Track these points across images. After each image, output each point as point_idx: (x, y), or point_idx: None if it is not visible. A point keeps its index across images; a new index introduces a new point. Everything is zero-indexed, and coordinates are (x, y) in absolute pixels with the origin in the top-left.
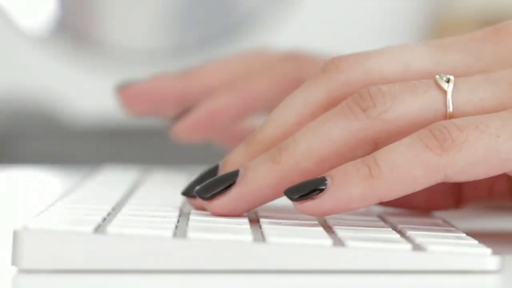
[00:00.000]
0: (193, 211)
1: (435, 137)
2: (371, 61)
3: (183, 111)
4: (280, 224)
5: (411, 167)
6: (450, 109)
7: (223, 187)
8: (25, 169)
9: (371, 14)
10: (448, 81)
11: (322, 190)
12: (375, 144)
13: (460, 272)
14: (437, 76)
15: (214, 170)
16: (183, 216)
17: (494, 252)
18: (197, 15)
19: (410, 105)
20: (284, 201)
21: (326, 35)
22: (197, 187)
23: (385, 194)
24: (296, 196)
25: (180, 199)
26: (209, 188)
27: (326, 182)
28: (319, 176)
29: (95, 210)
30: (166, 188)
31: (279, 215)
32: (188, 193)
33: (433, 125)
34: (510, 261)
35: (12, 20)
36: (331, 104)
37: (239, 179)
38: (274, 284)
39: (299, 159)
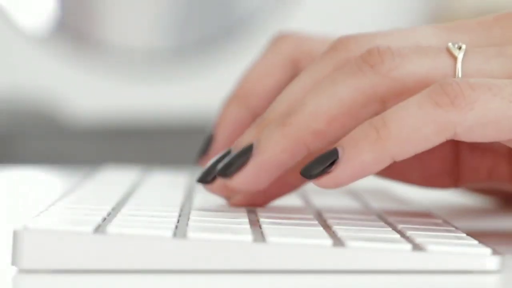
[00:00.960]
0: (193, 211)
1: (446, 93)
2: (380, 39)
3: None
4: (280, 224)
5: (421, 126)
6: (459, 76)
7: (241, 162)
8: (25, 169)
9: (371, 14)
10: (460, 48)
11: (334, 162)
12: (383, 103)
13: (460, 272)
14: (450, 44)
15: (226, 155)
16: (183, 216)
17: (494, 252)
18: (197, 15)
19: (419, 65)
20: (284, 201)
21: (326, 35)
22: (218, 167)
23: (397, 154)
24: (312, 174)
25: (180, 199)
26: (228, 165)
27: (338, 153)
28: (330, 148)
29: (95, 210)
30: (166, 188)
31: (279, 215)
32: (204, 179)
33: (444, 81)
34: (510, 261)
35: (12, 20)
36: None
37: (254, 151)
38: (274, 284)
39: (308, 121)
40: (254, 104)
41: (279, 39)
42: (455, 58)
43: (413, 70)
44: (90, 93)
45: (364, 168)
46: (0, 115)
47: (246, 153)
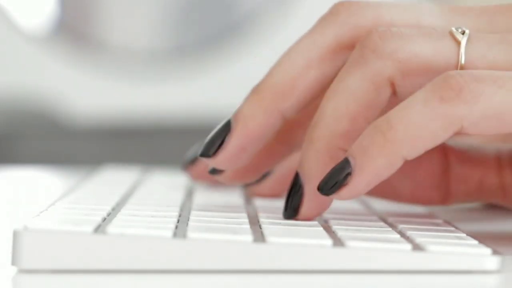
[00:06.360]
0: (193, 211)
1: (451, 87)
2: (383, 8)
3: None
4: (280, 224)
5: (428, 122)
6: (462, 61)
7: (296, 191)
8: (25, 169)
9: None
10: (463, 33)
11: (349, 173)
12: (393, 85)
13: (460, 272)
14: (453, 28)
15: (226, 126)
16: (183, 216)
17: (494, 252)
18: (197, 15)
19: (422, 47)
20: (283, 201)
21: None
22: (285, 211)
23: (408, 153)
24: (330, 190)
25: (180, 199)
26: (289, 204)
27: (350, 164)
28: (341, 160)
29: (95, 210)
30: (166, 188)
31: (279, 215)
32: (205, 153)
33: (448, 73)
34: (510, 261)
35: (12, 20)
36: (339, 47)
37: (302, 178)
38: (274, 284)
39: (332, 126)
40: (286, 108)
41: (332, 12)
42: (458, 43)
43: (416, 51)
44: (90, 93)
45: (379, 174)
46: (0, 115)
47: (296, 184)
